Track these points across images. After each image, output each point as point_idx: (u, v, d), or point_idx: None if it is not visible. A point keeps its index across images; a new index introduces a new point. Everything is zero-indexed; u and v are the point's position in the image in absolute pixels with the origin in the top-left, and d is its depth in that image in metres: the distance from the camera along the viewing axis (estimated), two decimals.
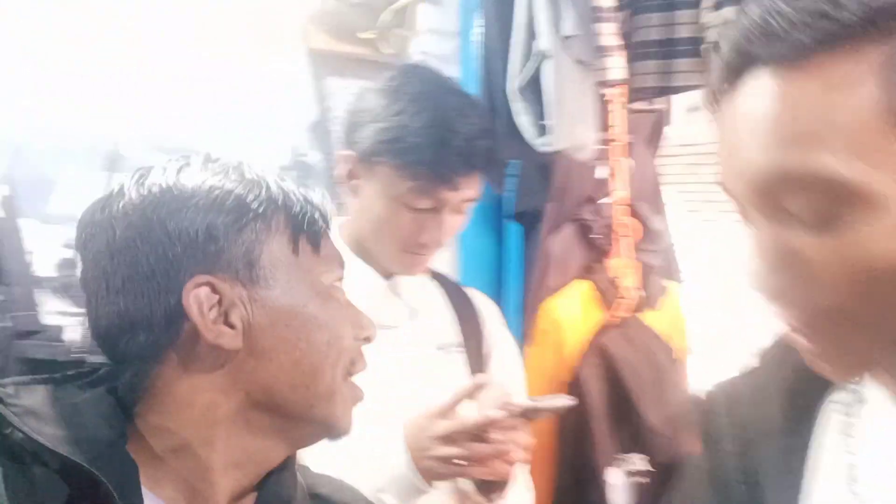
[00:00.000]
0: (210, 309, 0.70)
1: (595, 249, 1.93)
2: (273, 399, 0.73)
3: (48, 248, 2.30)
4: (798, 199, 0.55)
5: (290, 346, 0.72)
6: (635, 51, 1.90)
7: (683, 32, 1.87)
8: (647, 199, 2.03)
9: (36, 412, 0.67)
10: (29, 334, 2.10)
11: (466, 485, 1.25)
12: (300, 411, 0.74)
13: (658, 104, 2.06)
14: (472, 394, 1.21)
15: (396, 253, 1.34)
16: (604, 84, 1.77)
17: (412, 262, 1.36)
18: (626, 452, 1.82)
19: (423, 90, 1.31)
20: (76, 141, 1.40)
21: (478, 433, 1.16)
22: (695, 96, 1.99)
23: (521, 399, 1.23)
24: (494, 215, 1.87)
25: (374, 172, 1.31)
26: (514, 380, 1.46)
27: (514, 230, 1.86)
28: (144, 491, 0.68)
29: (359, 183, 1.34)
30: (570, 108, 1.67)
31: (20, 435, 0.65)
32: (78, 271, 0.74)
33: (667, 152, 2.25)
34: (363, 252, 1.36)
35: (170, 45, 1.39)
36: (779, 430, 0.73)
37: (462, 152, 1.26)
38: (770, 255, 0.59)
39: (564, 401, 1.24)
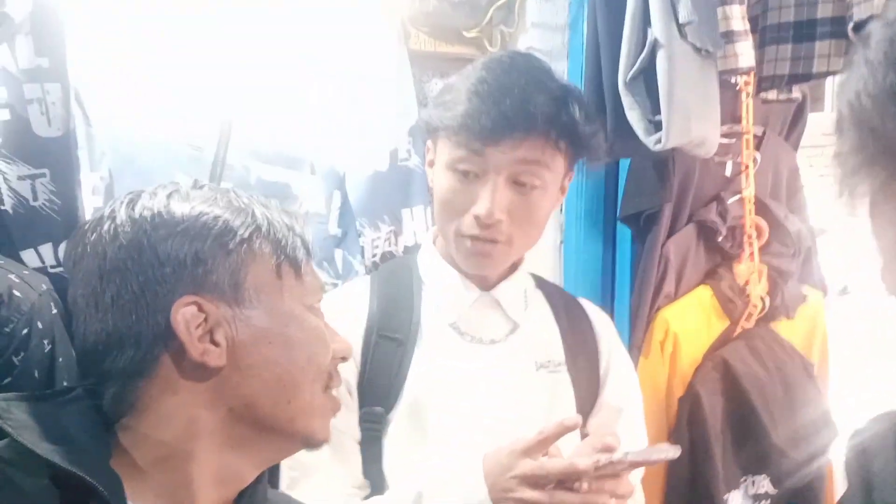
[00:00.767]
0: (196, 327, 0.72)
1: (720, 253, 1.79)
2: (255, 413, 0.75)
3: None
4: None
5: (272, 363, 0.75)
6: (766, 35, 1.74)
7: (825, 12, 1.69)
8: (781, 197, 1.86)
9: (29, 426, 0.69)
10: None
11: None
12: (282, 425, 0.77)
13: (797, 92, 1.87)
14: (562, 435, 1.08)
15: (457, 241, 1.20)
16: (729, 73, 1.62)
17: (474, 252, 1.19)
18: (750, 474, 1.69)
19: (491, 63, 1.21)
20: (182, 147, 1.44)
21: (565, 480, 1.05)
22: None
23: (619, 452, 1.07)
24: (602, 218, 1.76)
25: (437, 150, 1.22)
26: (630, 408, 1.32)
27: (623, 234, 1.74)
28: None
29: (433, 170, 1.24)
30: (687, 101, 1.53)
31: (18, 447, 0.67)
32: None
33: (813, 143, 2.05)
34: (454, 261, 1.25)
35: (268, 52, 1.41)
36: None
37: (511, 110, 1.13)
38: None
39: (667, 453, 1.08)
